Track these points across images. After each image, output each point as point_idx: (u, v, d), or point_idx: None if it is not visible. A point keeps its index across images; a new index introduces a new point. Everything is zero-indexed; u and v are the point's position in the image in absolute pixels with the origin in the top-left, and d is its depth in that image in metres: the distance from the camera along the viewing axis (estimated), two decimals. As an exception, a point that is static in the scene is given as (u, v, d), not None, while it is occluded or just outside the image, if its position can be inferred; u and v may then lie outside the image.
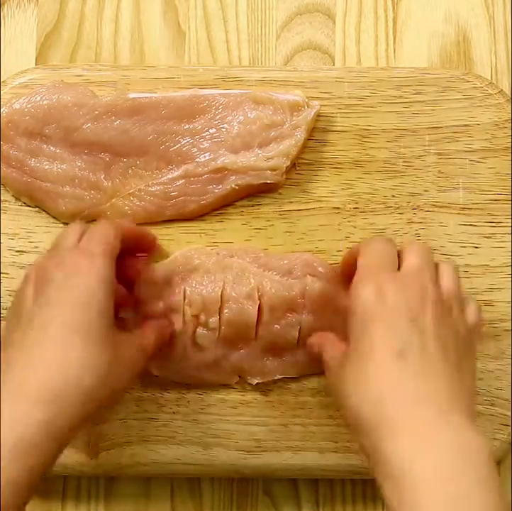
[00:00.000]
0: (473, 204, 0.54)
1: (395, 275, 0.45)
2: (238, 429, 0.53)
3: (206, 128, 0.54)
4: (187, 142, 0.54)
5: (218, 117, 0.54)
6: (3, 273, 0.54)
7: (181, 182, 0.54)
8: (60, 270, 0.45)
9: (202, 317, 0.52)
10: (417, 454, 0.39)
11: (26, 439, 0.39)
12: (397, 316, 0.43)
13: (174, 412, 0.54)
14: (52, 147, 0.54)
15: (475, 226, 0.54)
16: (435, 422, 0.40)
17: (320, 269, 0.53)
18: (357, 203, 0.55)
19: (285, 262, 0.53)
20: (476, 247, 0.54)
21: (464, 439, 0.40)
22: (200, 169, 0.54)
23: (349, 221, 0.55)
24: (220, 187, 0.54)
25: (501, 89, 0.55)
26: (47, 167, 0.54)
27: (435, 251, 0.54)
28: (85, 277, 0.44)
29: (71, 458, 0.53)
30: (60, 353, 0.42)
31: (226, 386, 0.53)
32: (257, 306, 0.51)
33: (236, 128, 0.54)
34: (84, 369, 0.42)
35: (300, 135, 0.53)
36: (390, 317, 0.43)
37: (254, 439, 0.53)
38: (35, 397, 0.40)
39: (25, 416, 0.40)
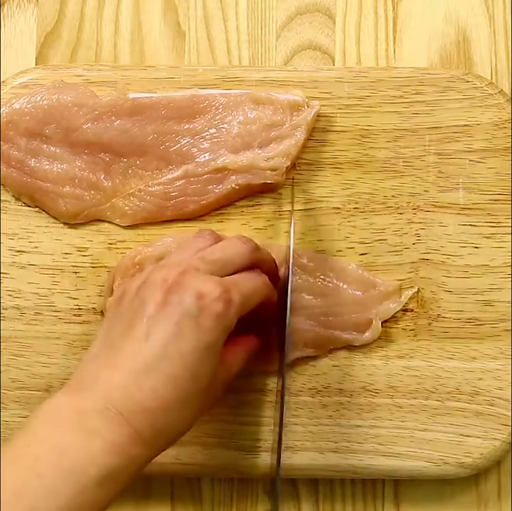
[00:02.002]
0: (473, 204, 0.54)
1: None
2: (238, 429, 0.53)
3: (206, 128, 0.54)
4: (187, 142, 0.54)
5: (218, 117, 0.54)
6: (3, 273, 0.54)
7: (181, 182, 0.54)
8: (191, 296, 0.40)
9: None
10: None
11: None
12: None
13: (174, 412, 0.54)
14: (52, 148, 0.54)
15: (475, 226, 0.54)
16: None
17: None
18: (357, 203, 0.55)
19: None
20: (476, 247, 0.54)
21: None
22: (200, 169, 0.54)
23: (349, 221, 0.54)
24: (220, 187, 0.54)
25: (501, 89, 0.55)
26: (47, 167, 0.54)
27: (435, 251, 0.54)
28: (212, 334, 0.40)
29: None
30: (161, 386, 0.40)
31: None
32: None
33: (236, 128, 0.54)
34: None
35: (300, 135, 0.53)
36: None
37: (254, 439, 0.53)
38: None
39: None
